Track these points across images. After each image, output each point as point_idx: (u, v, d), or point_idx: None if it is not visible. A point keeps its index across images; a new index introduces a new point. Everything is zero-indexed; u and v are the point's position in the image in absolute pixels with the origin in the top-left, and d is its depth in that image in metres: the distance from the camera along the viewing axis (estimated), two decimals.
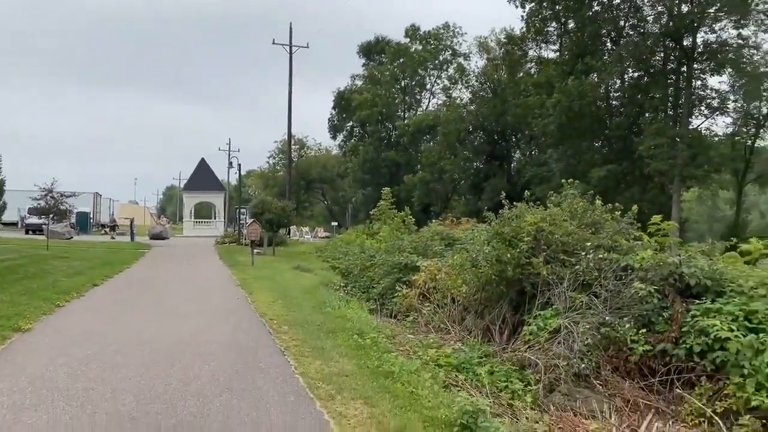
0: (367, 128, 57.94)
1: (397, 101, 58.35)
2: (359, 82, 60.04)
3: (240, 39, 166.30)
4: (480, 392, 6.83)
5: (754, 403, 5.97)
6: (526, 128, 42.33)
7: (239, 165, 47.02)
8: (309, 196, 71.55)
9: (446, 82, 56.41)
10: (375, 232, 21.04)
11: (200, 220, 55.15)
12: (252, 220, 29.90)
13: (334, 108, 61.36)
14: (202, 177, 51.62)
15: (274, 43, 40.12)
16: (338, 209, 71.72)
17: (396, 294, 12.47)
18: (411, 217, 19.52)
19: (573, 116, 32.26)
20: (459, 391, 6.68)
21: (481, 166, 47.88)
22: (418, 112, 57.56)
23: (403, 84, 58.36)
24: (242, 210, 42.65)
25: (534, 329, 7.81)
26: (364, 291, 14.42)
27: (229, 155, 60.89)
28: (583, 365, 6.93)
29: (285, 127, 40.87)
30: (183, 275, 18.27)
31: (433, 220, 17.66)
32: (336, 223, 56.04)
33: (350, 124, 60.68)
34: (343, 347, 8.43)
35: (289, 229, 43.37)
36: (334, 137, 63.78)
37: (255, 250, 23.94)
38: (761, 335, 6.52)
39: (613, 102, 36.84)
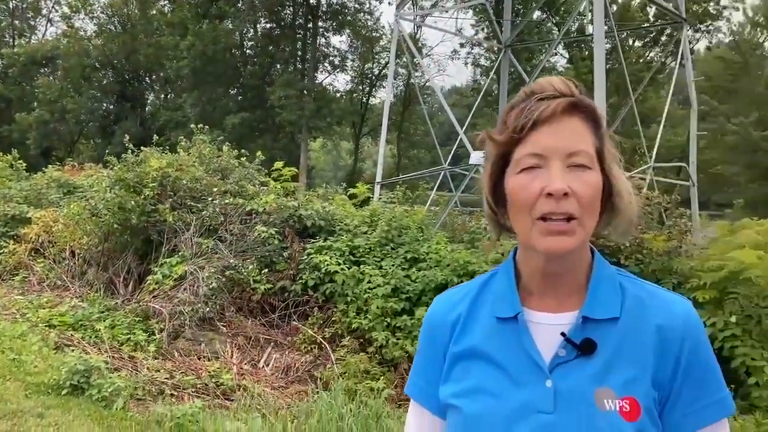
0: None
1: (3, 25, 49.41)
2: None
3: None
4: (99, 349, 6.41)
5: (354, 326, 6.90)
6: (160, 70, 40.30)
7: None
8: None
9: (66, 10, 49.86)
10: None
11: None
12: None
13: None
14: None
15: None
16: None
17: (1, 251, 10.81)
18: (22, 161, 16.99)
19: (207, 61, 31.84)
20: (74, 351, 6.16)
21: (112, 107, 44.05)
22: (33, 41, 49.76)
23: (11, 5, 49.56)
24: None
25: (159, 277, 7.62)
26: None
27: None
28: (208, 309, 7.05)
29: None
30: None
31: (50, 166, 15.62)
32: None
33: None
34: None
35: None
36: None
37: None
38: (362, 266, 7.53)
39: (248, 51, 37.53)
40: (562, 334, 1.09)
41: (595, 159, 1.07)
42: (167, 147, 10.45)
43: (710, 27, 34.07)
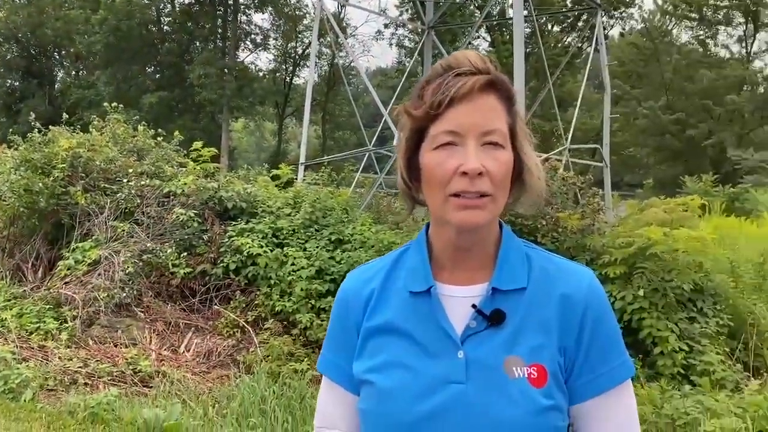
0: None
1: None
2: None
3: None
4: (5, 339, 6.08)
5: (278, 308, 6.82)
6: (70, 45, 38.11)
7: None
8: None
9: None
10: None
11: None
12: None
13: None
14: None
15: None
16: None
17: None
18: None
19: (122, 37, 30.40)
20: None
21: (16, 84, 41.37)
22: None
23: None
24: None
25: (71, 263, 7.27)
26: None
27: None
28: (125, 294, 6.79)
29: None
30: None
31: None
32: None
33: None
34: None
35: None
36: None
37: None
38: (285, 249, 7.44)
39: (165, 27, 36.09)
40: (473, 305, 1.10)
41: (508, 137, 1.09)
42: (79, 127, 9.94)
43: (624, 14, 35.56)
